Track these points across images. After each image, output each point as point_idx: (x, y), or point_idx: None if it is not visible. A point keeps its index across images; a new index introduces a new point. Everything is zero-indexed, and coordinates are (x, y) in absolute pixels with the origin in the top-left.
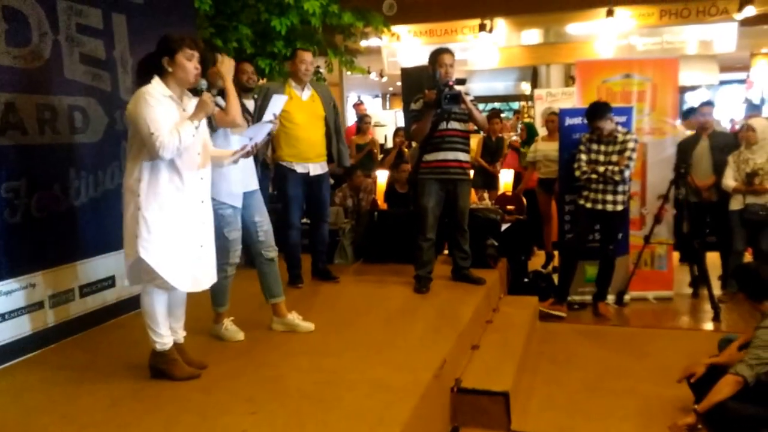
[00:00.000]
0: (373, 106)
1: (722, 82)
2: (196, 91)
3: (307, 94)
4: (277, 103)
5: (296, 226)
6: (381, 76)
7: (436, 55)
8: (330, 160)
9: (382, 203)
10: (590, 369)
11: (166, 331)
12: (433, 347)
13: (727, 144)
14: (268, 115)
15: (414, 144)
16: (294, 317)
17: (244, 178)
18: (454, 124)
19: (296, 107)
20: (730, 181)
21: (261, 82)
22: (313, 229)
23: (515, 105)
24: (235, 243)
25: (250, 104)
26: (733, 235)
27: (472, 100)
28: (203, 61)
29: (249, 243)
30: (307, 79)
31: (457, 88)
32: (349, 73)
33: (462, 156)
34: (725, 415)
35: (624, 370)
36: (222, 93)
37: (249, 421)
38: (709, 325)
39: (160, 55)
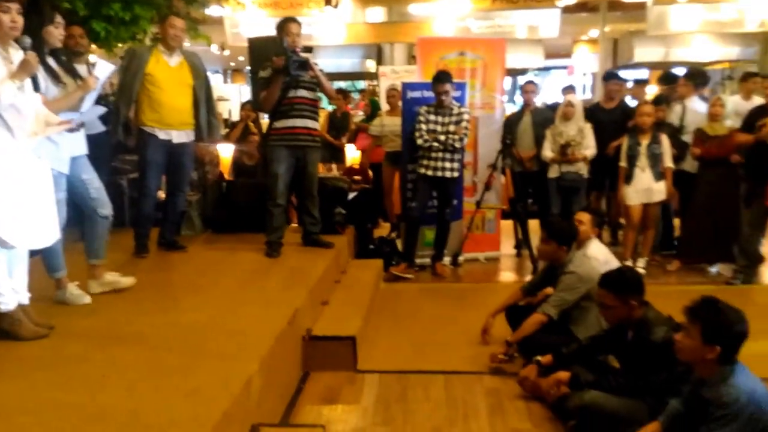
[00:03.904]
0: (214, 81)
1: (549, 68)
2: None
3: (176, 60)
4: (101, 69)
5: (151, 194)
6: (222, 49)
7: (283, 24)
8: (199, 131)
9: (228, 177)
10: (428, 319)
11: (8, 290)
12: (285, 302)
13: (546, 119)
14: (97, 85)
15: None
16: (113, 275)
17: (72, 142)
18: (302, 92)
19: (162, 72)
20: (547, 152)
21: (93, 46)
22: (169, 198)
23: (361, 84)
24: (59, 205)
25: (81, 69)
26: (551, 200)
27: (320, 69)
28: (33, 15)
29: (82, 204)
30: (177, 45)
31: (304, 55)
32: (188, 44)
33: (311, 123)
34: (533, 343)
35: (457, 317)
36: (54, 53)
37: (107, 369)
38: (529, 278)
39: None
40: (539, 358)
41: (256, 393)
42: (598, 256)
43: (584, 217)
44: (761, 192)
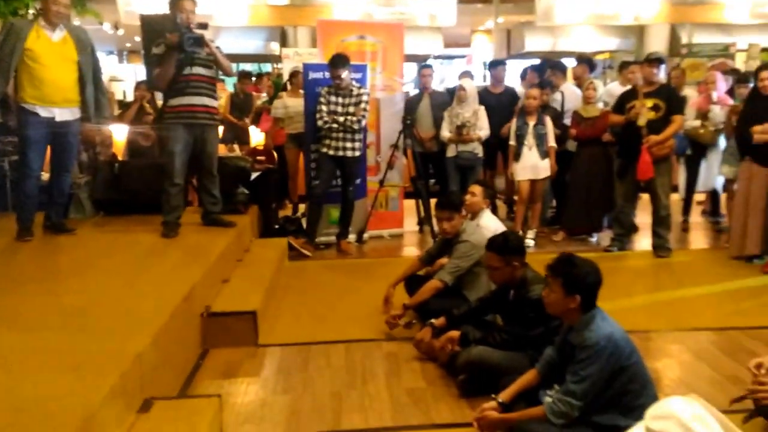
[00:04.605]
0: (108, 62)
1: (452, 57)
2: None
3: (59, 35)
4: None
5: (34, 175)
6: (116, 28)
7: (177, 1)
8: (86, 109)
9: (121, 159)
10: (332, 293)
11: None
12: (181, 279)
13: (444, 102)
14: None
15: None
16: None
17: None
18: (199, 69)
19: (44, 48)
20: (445, 132)
21: None
22: (54, 178)
23: (267, 67)
24: None
25: None
26: (449, 178)
27: (216, 47)
28: None
29: None
30: (59, 21)
31: (199, 32)
32: (78, 22)
33: (208, 101)
34: (429, 308)
35: (359, 290)
36: None
37: None
38: None
39: None
40: (433, 321)
41: (149, 368)
42: (490, 225)
43: (476, 189)
44: (632, 167)
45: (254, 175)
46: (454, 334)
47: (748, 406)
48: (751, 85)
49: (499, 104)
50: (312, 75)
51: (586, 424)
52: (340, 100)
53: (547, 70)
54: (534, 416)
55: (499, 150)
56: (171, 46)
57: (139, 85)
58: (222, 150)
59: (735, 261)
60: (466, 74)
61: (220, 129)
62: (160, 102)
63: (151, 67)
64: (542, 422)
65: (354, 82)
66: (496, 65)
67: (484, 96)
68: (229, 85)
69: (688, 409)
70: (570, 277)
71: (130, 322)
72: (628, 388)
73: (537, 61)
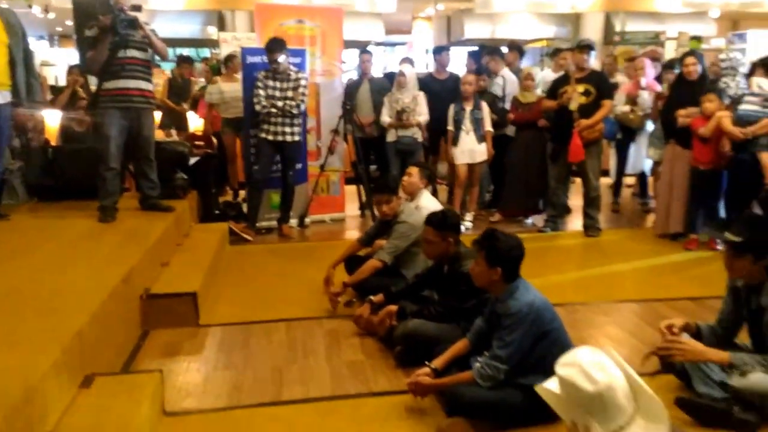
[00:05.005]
0: (39, 46)
1: (394, 44)
2: None
3: None
4: None
5: None
6: (46, 11)
7: None
8: (17, 93)
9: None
10: (273, 275)
11: None
12: (119, 261)
13: (384, 87)
14: None
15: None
16: None
17: None
18: (133, 52)
19: None
20: (385, 117)
21: None
22: None
23: (206, 52)
24: None
25: None
26: (389, 163)
27: (151, 30)
28: None
29: None
30: None
31: (132, 14)
32: (6, 5)
33: (144, 84)
34: (368, 286)
35: (301, 272)
36: None
37: None
38: None
39: None
40: (372, 297)
41: (90, 346)
42: (429, 206)
43: (413, 171)
44: (564, 151)
45: (193, 160)
46: (393, 307)
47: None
48: (677, 71)
49: (444, 90)
50: (250, 59)
51: (511, 386)
52: (278, 84)
53: (485, 56)
54: (464, 380)
55: (443, 136)
56: (104, 29)
57: (71, 70)
58: (160, 135)
59: (660, 239)
60: (406, 60)
61: (158, 114)
62: (93, 87)
63: (84, 50)
64: (471, 385)
65: (292, 67)
66: (440, 51)
67: (429, 82)
68: (166, 69)
69: (590, 357)
70: (492, 250)
71: (68, 301)
72: (550, 351)
73: (476, 48)
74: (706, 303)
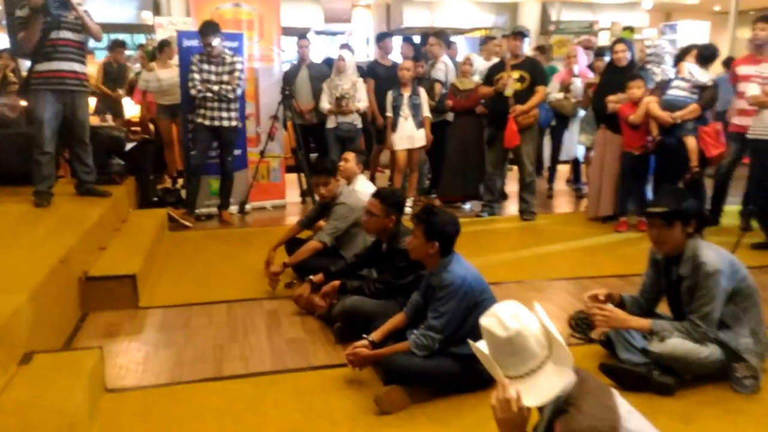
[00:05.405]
0: None
1: (335, 33)
2: None
3: None
4: None
5: None
6: None
7: None
8: None
9: None
10: (214, 259)
11: None
12: (56, 243)
13: (322, 73)
14: None
15: None
16: None
17: None
18: (66, 34)
19: None
20: (325, 104)
21: None
22: None
23: (141, 39)
24: None
25: None
26: (329, 149)
27: (85, 11)
28: None
29: None
30: None
31: None
32: None
33: (78, 67)
34: (308, 267)
35: (241, 256)
36: None
37: None
38: None
39: None
40: (312, 277)
41: (28, 325)
42: (366, 190)
43: (349, 156)
44: (500, 136)
45: (130, 146)
46: (336, 283)
47: None
48: (607, 58)
49: (389, 77)
50: (186, 43)
51: (445, 355)
52: (213, 68)
53: (430, 39)
54: (400, 350)
55: None
56: (35, 8)
57: (1, 54)
58: (95, 122)
59: (592, 222)
60: (345, 46)
61: (94, 101)
62: (25, 73)
63: (15, 31)
64: (407, 355)
65: (227, 50)
66: (383, 37)
67: (374, 68)
68: (99, 56)
69: (507, 307)
70: (430, 225)
71: (5, 281)
72: None
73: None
74: (633, 280)
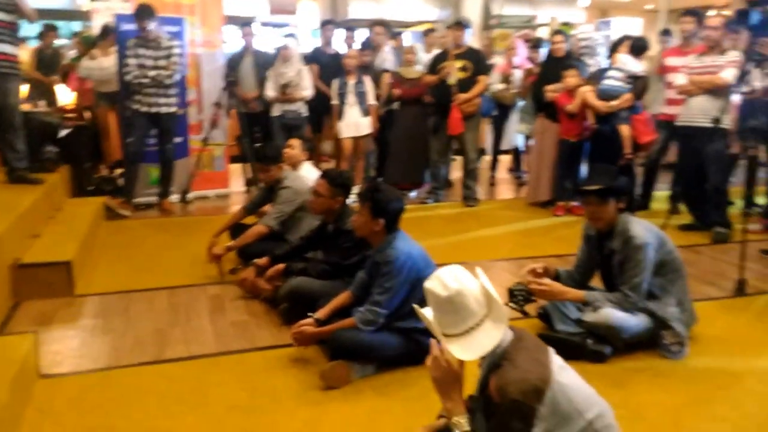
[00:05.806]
0: None
1: (282, 25)
2: None
3: None
4: None
5: None
6: None
7: None
8: None
9: None
10: (154, 247)
11: None
12: None
13: (268, 61)
14: None
15: None
16: None
17: None
18: None
19: None
20: (269, 92)
21: None
22: None
23: (77, 26)
24: None
25: None
26: (275, 137)
27: None
28: None
29: None
30: None
31: None
32: None
33: (9, 48)
34: (253, 251)
35: (183, 244)
36: None
37: None
38: None
39: None
40: (256, 260)
41: None
42: (310, 176)
43: (294, 143)
44: (444, 124)
45: (64, 132)
46: (280, 266)
47: None
48: (541, 50)
49: (334, 64)
50: (124, 26)
51: (390, 330)
52: (150, 53)
53: (376, 27)
54: (346, 326)
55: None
56: None
57: None
58: (27, 108)
59: (531, 207)
60: (291, 35)
61: (26, 87)
62: None
63: None
64: (353, 330)
65: (164, 34)
66: (326, 24)
67: (317, 55)
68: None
69: (448, 270)
70: (376, 202)
71: None
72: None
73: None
74: (569, 259)
